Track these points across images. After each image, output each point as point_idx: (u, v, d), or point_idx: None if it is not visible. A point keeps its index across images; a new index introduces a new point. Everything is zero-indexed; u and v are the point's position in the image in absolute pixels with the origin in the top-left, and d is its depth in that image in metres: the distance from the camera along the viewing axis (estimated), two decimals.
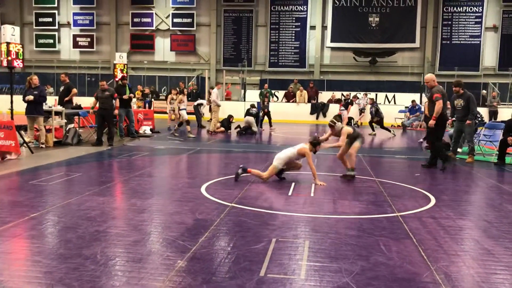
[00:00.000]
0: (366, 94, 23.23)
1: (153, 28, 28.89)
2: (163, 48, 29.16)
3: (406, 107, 22.18)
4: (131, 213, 5.56)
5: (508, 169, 9.59)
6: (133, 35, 29.07)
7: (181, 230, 4.78)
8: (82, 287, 3.37)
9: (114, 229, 4.83)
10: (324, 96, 24.77)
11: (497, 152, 10.45)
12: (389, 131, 17.45)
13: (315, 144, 7.75)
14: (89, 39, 29.52)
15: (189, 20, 28.45)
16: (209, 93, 18.89)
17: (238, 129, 16.42)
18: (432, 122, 9.23)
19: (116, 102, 12.20)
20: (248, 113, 17.26)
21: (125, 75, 15.37)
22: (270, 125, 18.97)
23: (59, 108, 12.16)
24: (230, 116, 17.64)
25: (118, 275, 3.65)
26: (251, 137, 15.55)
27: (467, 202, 6.76)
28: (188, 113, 15.41)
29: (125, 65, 14.78)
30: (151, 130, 15.52)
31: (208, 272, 3.71)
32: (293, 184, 7.42)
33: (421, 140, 14.32)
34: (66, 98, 13.31)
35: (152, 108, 21.44)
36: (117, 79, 15.14)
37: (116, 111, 12.32)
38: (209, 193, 6.55)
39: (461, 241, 4.77)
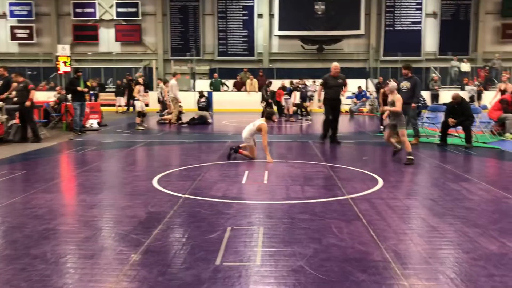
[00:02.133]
0: (314, 81, 23.55)
1: (97, 18, 27.96)
2: (107, 39, 28.32)
3: (353, 93, 22.69)
4: (81, 209, 5.42)
5: (450, 149, 10.05)
6: (76, 26, 28.03)
7: (133, 224, 4.71)
8: (32, 287, 3.27)
9: (64, 226, 4.70)
10: (274, 85, 24.89)
11: (440, 134, 10.92)
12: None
13: (269, 117, 8.69)
14: (28, 31, 28.19)
15: (133, 9, 27.72)
16: (157, 85, 18.53)
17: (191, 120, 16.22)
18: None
19: (31, 94, 11.39)
20: (198, 107, 16.92)
21: (70, 67, 14.80)
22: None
23: None
24: (180, 107, 17.44)
25: (70, 272, 3.56)
26: (202, 127, 15.45)
27: (412, 182, 7.03)
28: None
29: (68, 58, 14.24)
30: (98, 123, 15.11)
31: (163, 264, 3.68)
32: (246, 172, 7.45)
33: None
34: (6, 94, 12.68)
35: (98, 101, 20.82)
36: (60, 72, 14.56)
37: (28, 103, 11.31)
38: (161, 185, 6.47)
39: (408, 220, 4.97)
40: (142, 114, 14.78)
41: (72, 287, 3.30)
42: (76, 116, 13.09)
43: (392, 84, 8.54)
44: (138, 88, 15.34)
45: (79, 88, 12.94)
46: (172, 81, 16.23)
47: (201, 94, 17.75)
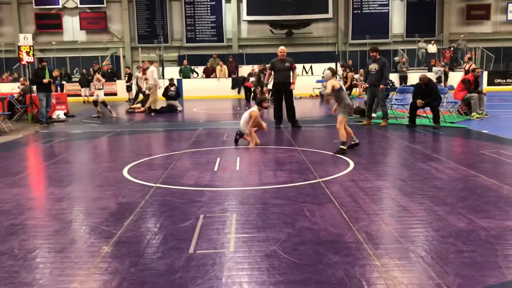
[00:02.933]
0: None
1: (60, 6, 27.17)
2: (72, 28, 27.59)
3: (322, 77, 22.79)
4: (49, 202, 5.30)
5: (419, 130, 10.23)
6: (38, 14, 27.20)
7: (104, 216, 4.62)
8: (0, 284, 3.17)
9: (32, 220, 4.57)
10: (244, 70, 24.79)
11: (408, 115, 11.09)
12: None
13: (259, 103, 8.74)
14: None
15: None
16: (125, 74, 18.32)
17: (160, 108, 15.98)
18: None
19: None
20: (167, 96, 16.50)
21: (34, 57, 14.34)
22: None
23: None
24: (148, 95, 17.19)
25: (40, 267, 3.47)
26: (172, 115, 15.28)
27: (383, 164, 7.13)
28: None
29: (31, 47, 13.79)
30: (65, 114, 14.77)
31: (136, 254, 3.63)
32: (218, 159, 7.41)
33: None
34: None
35: (64, 91, 20.33)
36: (23, 62, 14.10)
37: None
38: (131, 176, 6.37)
39: (379, 200, 5.04)
40: (103, 104, 14.89)
41: (42, 282, 3.22)
42: (42, 107, 12.76)
43: (326, 72, 8.00)
44: (98, 77, 15.21)
45: (44, 80, 12.59)
46: (152, 68, 16.04)
47: (171, 83, 17.01)
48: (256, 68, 21.94)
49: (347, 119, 7.81)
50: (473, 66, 19.30)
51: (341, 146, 7.60)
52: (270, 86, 12.38)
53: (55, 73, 22.74)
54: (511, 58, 26.77)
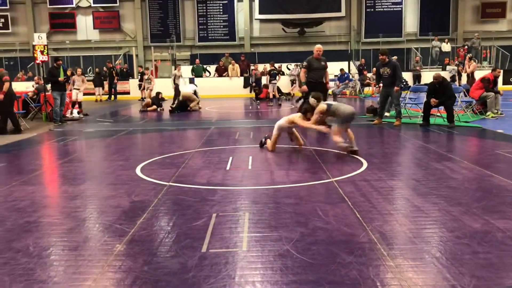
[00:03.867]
0: (297, 65, 23.48)
1: (73, 5, 27.43)
2: (85, 27, 27.83)
3: (335, 75, 22.69)
4: (63, 200, 5.34)
5: (433, 129, 10.13)
6: (52, 14, 27.48)
7: (117, 214, 4.65)
8: (15, 281, 3.20)
9: (46, 218, 4.62)
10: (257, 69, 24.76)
11: (422, 114, 10.99)
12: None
13: (304, 112, 7.83)
14: (3, 20, 27.58)
15: None
16: (145, 73, 19.08)
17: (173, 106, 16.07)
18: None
19: (4, 86, 10.94)
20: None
21: (48, 56, 14.47)
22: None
23: None
24: (159, 93, 17.32)
25: (54, 265, 3.50)
26: (184, 114, 15.33)
27: (396, 163, 7.07)
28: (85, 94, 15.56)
29: (45, 46, 13.91)
30: (78, 113, 14.89)
31: (149, 253, 3.64)
32: (230, 158, 7.41)
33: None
34: None
35: None
36: (37, 61, 14.24)
37: (0, 96, 10.94)
38: (144, 174, 6.40)
39: (393, 200, 5.00)
40: (77, 103, 15.16)
41: (56, 279, 3.24)
42: (56, 106, 12.87)
43: (311, 101, 7.72)
44: (75, 78, 15.55)
45: (60, 79, 12.69)
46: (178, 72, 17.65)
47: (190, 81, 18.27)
48: (268, 66, 21.89)
49: (343, 128, 7.52)
50: (474, 65, 19.32)
51: (350, 149, 7.45)
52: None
53: (68, 72, 22.99)
54: None
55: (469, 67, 19.99)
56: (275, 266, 3.36)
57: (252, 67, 22.77)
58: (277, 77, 20.66)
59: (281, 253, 3.58)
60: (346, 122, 7.56)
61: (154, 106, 16.56)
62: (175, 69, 18.62)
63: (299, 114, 7.93)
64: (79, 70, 16.22)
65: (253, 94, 22.44)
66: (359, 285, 3.05)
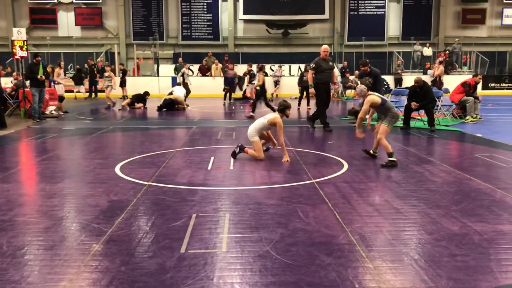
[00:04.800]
0: (280, 66, 23.52)
1: (55, 1, 27.00)
2: (67, 23, 27.42)
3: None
4: (40, 199, 5.24)
5: (413, 133, 10.23)
6: (33, 9, 27.00)
7: (95, 213, 4.57)
8: None
9: (22, 217, 4.52)
10: (239, 69, 24.71)
11: (403, 117, 11.09)
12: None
13: (283, 109, 7.35)
14: None
15: None
16: (106, 70, 18.26)
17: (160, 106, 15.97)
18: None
19: None
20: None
21: (27, 51, 14.20)
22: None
23: None
24: (146, 93, 17.17)
25: (28, 265, 3.42)
26: (167, 113, 15.21)
27: (376, 166, 7.10)
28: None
29: (25, 42, 13.65)
30: (57, 110, 14.64)
31: (127, 253, 3.59)
32: (212, 158, 7.37)
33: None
34: None
35: None
36: (16, 57, 13.95)
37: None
38: (124, 173, 6.32)
39: (373, 202, 5.02)
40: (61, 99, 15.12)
41: (30, 279, 3.17)
42: (35, 102, 12.65)
43: (360, 88, 7.35)
44: (58, 72, 15.32)
45: (39, 76, 12.49)
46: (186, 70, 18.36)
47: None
48: (254, 68, 21.81)
49: (390, 130, 7.08)
50: (442, 70, 19.84)
51: (390, 158, 6.76)
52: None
53: (48, 69, 22.64)
54: (505, 62, 26.93)
55: (437, 70, 20.52)
56: (254, 267, 3.34)
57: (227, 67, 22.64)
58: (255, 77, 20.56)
59: (260, 254, 3.56)
60: (393, 124, 7.09)
61: (141, 104, 16.53)
62: (170, 68, 18.56)
63: (277, 114, 7.41)
64: (62, 64, 16.05)
65: (237, 94, 22.38)
66: (338, 287, 3.05)
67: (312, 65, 10.65)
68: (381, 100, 7.03)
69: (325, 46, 10.62)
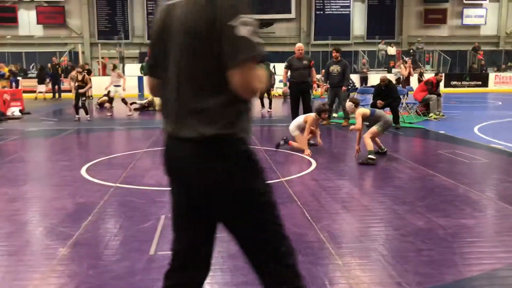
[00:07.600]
0: None
1: None
2: (28, 22, 26.64)
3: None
4: (2, 203, 5.07)
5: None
6: None
7: (61, 217, 4.47)
8: None
9: None
10: None
11: None
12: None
13: (319, 112, 7.86)
14: None
15: None
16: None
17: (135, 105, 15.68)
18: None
19: None
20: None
21: None
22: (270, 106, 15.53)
23: None
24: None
25: None
26: (135, 114, 14.98)
27: (344, 163, 7.21)
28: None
29: None
30: (20, 111, 14.25)
31: (94, 257, 3.52)
32: None
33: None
34: None
35: (20, 88, 19.61)
36: None
37: None
38: (90, 175, 6.20)
39: (341, 199, 5.09)
40: (125, 100, 14.64)
41: None
42: None
43: (348, 104, 7.78)
44: (118, 73, 14.91)
45: None
46: None
47: None
48: None
49: (380, 134, 7.32)
50: (406, 68, 20.47)
51: (369, 156, 6.83)
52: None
53: (13, 68, 21.98)
54: (466, 61, 27.76)
55: (405, 70, 21.10)
56: (225, 267, 3.33)
57: None
58: None
59: (231, 254, 3.55)
60: (387, 129, 7.51)
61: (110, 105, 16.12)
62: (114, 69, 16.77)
63: (314, 114, 7.94)
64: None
65: None
66: (308, 284, 3.07)
67: (285, 63, 10.57)
68: (369, 111, 7.37)
69: (299, 45, 10.51)
